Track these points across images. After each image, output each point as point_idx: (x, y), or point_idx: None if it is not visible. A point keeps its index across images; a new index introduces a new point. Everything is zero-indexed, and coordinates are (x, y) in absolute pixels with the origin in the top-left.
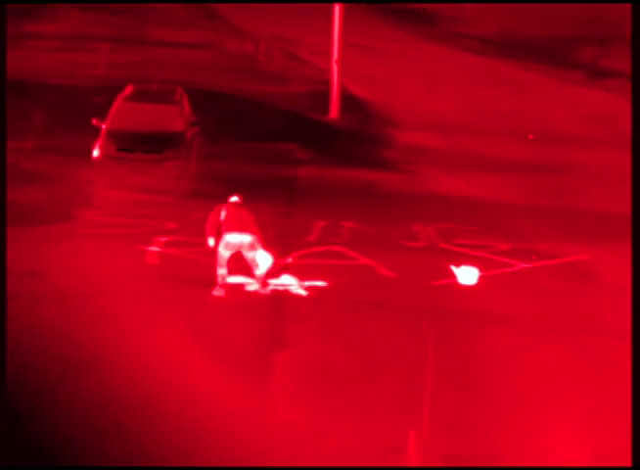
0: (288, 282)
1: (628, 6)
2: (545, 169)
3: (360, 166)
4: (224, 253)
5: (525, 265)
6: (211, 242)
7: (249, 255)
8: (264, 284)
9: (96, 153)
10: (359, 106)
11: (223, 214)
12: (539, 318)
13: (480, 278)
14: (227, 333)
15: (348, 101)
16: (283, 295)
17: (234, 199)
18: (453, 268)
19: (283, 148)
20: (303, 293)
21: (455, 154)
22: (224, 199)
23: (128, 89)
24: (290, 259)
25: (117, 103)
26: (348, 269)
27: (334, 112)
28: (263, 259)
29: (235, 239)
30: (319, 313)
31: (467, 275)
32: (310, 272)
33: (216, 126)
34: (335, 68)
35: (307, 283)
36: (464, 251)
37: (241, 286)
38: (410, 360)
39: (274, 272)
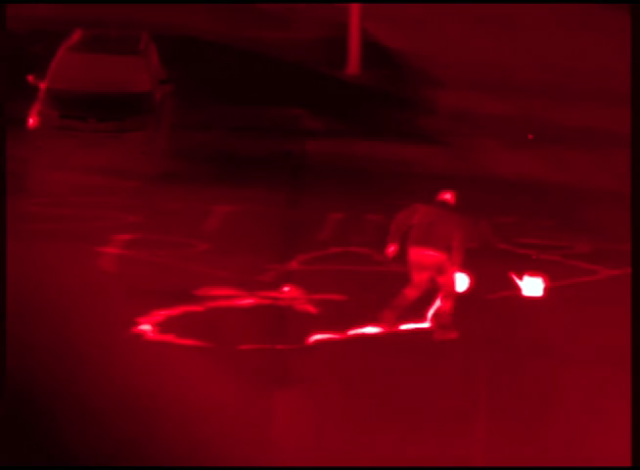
0: (292, 295)
1: None
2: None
3: (390, 139)
4: (413, 276)
5: (613, 273)
6: (390, 250)
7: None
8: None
9: (33, 121)
10: (388, 57)
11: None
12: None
13: (551, 290)
14: (214, 370)
15: (374, 51)
16: (285, 313)
17: (446, 196)
18: (515, 277)
19: (286, 114)
20: (312, 310)
21: (521, 123)
22: (211, 183)
23: (76, 35)
24: (294, 264)
25: (61, 53)
26: (374, 278)
27: (354, 65)
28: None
29: (414, 254)
30: (332, 337)
31: (533, 286)
32: (322, 282)
33: (196, 85)
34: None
35: (318, 296)
36: (530, 253)
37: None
38: (454, 408)
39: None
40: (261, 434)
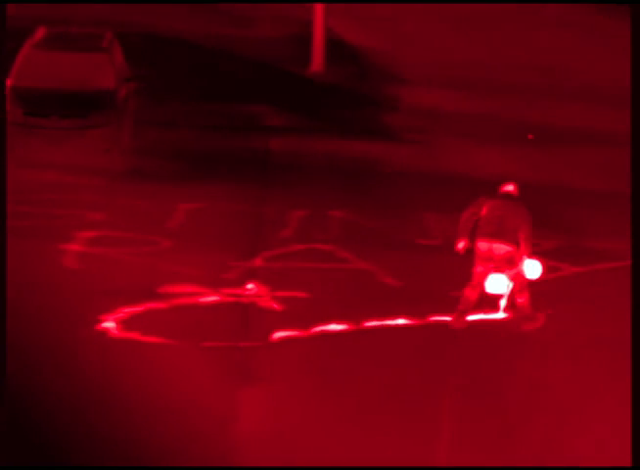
0: (256, 292)
1: None
2: (614, 142)
3: (354, 137)
4: (476, 267)
5: (577, 269)
6: (460, 245)
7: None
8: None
9: None
10: (352, 55)
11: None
12: (586, 343)
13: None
14: (173, 366)
15: (338, 49)
16: (249, 310)
17: (508, 188)
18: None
19: (250, 111)
20: (276, 307)
21: (486, 120)
22: (175, 180)
23: (40, 32)
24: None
25: (25, 51)
26: (338, 276)
27: (317, 63)
28: (528, 271)
29: (483, 247)
30: (296, 334)
31: (497, 283)
32: (285, 279)
33: (161, 83)
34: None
35: (282, 293)
36: None
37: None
38: (422, 406)
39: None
40: (226, 431)
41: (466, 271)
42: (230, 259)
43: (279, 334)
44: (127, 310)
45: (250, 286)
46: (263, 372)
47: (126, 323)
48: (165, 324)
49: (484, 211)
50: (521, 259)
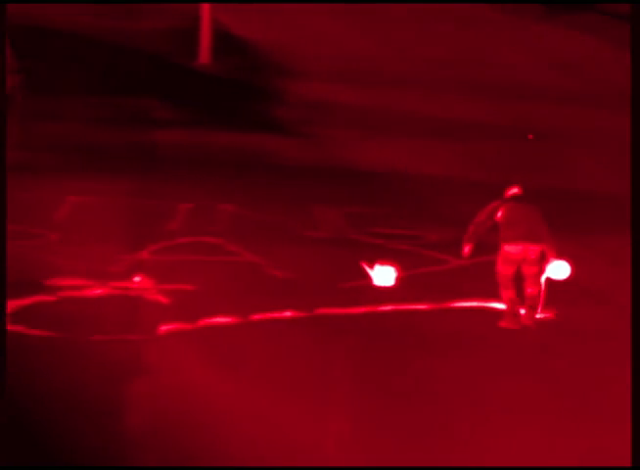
0: (143, 285)
1: None
2: (497, 134)
3: (242, 129)
4: (504, 270)
5: (463, 262)
6: (466, 250)
7: (529, 271)
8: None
9: None
10: (242, 48)
11: (499, 214)
12: (482, 335)
13: (402, 279)
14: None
15: (225, 41)
16: (136, 303)
17: (514, 191)
18: (366, 266)
19: (137, 104)
20: (163, 300)
21: (376, 113)
22: (62, 173)
23: None
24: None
25: None
26: (225, 268)
27: (204, 55)
28: (556, 272)
29: (516, 250)
30: (183, 327)
31: (385, 275)
32: (172, 272)
33: (48, 76)
34: None
35: (169, 286)
36: (381, 242)
37: None
38: (308, 399)
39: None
40: (115, 426)
41: (354, 264)
42: (117, 252)
43: (166, 327)
44: (14, 303)
45: (136, 279)
46: (152, 365)
47: (13, 316)
48: (52, 317)
49: (502, 215)
50: (546, 258)
